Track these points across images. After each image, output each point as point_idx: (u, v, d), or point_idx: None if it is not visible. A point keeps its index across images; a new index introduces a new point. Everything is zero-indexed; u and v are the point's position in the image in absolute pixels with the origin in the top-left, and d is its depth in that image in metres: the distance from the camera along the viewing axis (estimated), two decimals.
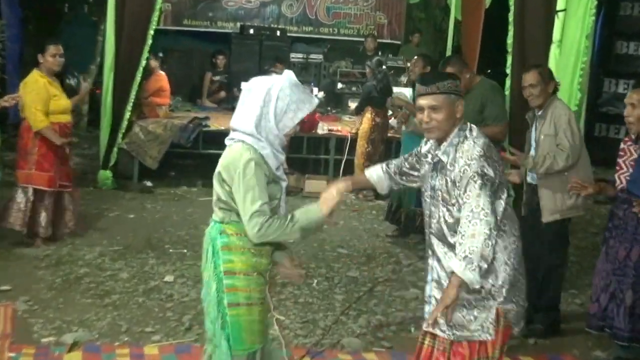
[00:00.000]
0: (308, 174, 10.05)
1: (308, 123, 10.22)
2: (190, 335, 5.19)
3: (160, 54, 10.61)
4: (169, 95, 10.53)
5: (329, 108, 12.20)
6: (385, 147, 9.76)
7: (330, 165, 10.30)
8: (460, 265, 3.27)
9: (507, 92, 7.27)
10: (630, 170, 4.97)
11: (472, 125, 3.54)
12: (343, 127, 10.66)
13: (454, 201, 3.42)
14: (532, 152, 5.49)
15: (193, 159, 10.96)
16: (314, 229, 3.42)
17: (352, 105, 11.20)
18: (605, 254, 5.21)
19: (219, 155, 3.47)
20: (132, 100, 9.09)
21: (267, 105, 3.34)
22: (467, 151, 3.38)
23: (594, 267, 7.04)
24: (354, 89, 12.65)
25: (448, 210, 3.46)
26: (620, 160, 5.10)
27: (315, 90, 11.82)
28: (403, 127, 7.65)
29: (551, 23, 7.10)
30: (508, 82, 7.34)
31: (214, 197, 3.48)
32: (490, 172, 3.35)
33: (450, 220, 3.45)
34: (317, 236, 7.79)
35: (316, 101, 3.48)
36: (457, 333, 3.48)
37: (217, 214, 3.48)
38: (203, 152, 10.00)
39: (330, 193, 3.51)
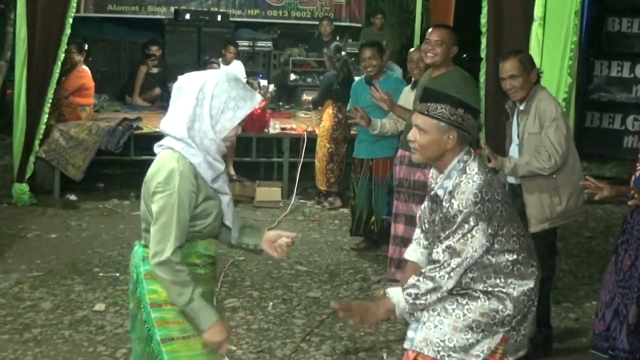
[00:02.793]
0: (259, 181, 10.05)
1: (257, 122, 10.23)
2: None
3: (86, 46, 10.52)
4: (93, 94, 10.45)
5: (280, 103, 12.23)
6: (348, 147, 9.82)
7: (284, 169, 10.32)
8: (404, 306, 3.56)
9: (482, 79, 7.35)
10: None
11: (475, 156, 3.65)
12: (298, 124, 10.69)
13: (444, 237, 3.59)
14: (514, 149, 5.53)
15: (124, 168, 10.90)
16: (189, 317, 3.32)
17: (308, 97, 11.24)
18: (614, 264, 5.26)
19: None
20: (50, 101, 9.01)
21: (201, 104, 3.27)
22: (463, 193, 3.50)
23: (591, 276, 7.17)
24: (309, 80, 12.69)
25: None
26: None
27: (264, 83, 11.85)
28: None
29: None
30: (483, 67, 7.43)
31: (140, 216, 3.44)
32: (483, 224, 3.49)
33: None
34: None
35: (259, 98, 3.43)
36: (454, 355, 3.58)
37: (142, 235, 3.44)
38: (135, 158, 9.96)
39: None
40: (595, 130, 12.47)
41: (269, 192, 9.75)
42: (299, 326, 6.01)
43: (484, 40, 7.49)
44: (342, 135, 9.64)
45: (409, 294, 3.53)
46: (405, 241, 6.31)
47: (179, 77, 3.41)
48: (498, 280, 3.59)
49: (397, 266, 6.36)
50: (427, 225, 3.87)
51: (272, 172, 10.67)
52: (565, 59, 6.98)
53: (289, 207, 9.57)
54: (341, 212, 9.44)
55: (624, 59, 12.35)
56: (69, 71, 9.96)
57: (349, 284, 7.01)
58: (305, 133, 10.15)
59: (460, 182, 3.52)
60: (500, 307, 3.58)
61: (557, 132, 5.28)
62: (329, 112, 9.62)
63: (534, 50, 6.74)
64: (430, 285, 3.51)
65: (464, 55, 12.01)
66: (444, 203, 3.57)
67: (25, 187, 9.16)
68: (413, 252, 3.98)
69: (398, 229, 6.45)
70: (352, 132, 9.74)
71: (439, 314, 3.59)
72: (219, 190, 3.41)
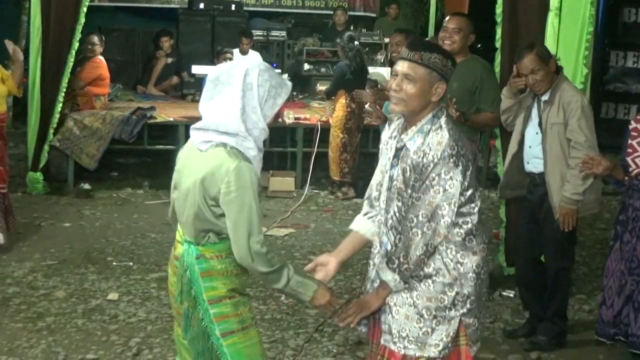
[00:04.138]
0: (272, 170, 10.04)
1: None
2: None
3: (102, 36, 10.52)
4: (108, 84, 10.44)
5: (294, 93, 12.18)
6: (361, 137, 9.82)
7: (297, 159, 10.31)
8: (394, 278, 3.42)
9: (497, 69, 7.32)
10: None
11: (447, 113, 3.52)
12: (312, 114, 10.67)
13: (409, 192, 3.41)
14: (534, 137, 5.48)
15: (137, 157, 10.92)
16: (290, 295, 3.49)
17: (322, 87, 11.23)
18: (619, 251, 5.28)
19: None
20: (64, 90, 9.02)
21: (247, 94, 3.28)
22: (439, 144, 3.35)
23: (604, 267, 7.13)
24: (323, 70, 12.68)
25: (402, 203, 3.44)
26: (634, 142, 5.14)
27: (278, 72, 11.84)
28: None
29: None
30: (498, 57, 7.40)
31: (187, 213, 3.38)
32: (459, 176, 3.35)
33: (403, 216, 3.44)
34: (285, 242, 7.81)
35: (290, 84, 3.47)
36: (410, 347, 3.46)
37: (190, 233, 3.40)
38: (149, 148, 9.97)
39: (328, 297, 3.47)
40: (611, 121, 12.42)
41: (282, 182, 9.75)
42: (312, 316, 6.01)
43: (499, 31, 7.44)
44: (355, 125, 9.63)
45: (391, 266, 3.41)
46: None
47: (215, 68, 3.43)
48: (448, 252, 3.41)
49: None
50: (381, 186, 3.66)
51: (286, 162, 10.66)
52: (581, 49, 6.91)
53: (302, 197, 9.57)
54: (354, 203, 9.42)
55: None
56: (84, 61, 9.96)
57: (361, 274, 6.99)
58: (319, 123, 10.14)
59: (435, 135, 3.37)
60: (447, 287, 3.41)
61: (588, 122, 5.24)
62: (342, 102, 9.62)
63: (549, 40, 6.69)
64: (405, 242, 3.38)
65: (479, 45, 11.99)
66: (411, 155, 3.39)
67: (39, 176, 9.19)
68: (362, 223, 3.77)
69: None
70: (365, 122, 9.75)
71: (395, 304, 3.48)
72: (259, 179, 3.44)
